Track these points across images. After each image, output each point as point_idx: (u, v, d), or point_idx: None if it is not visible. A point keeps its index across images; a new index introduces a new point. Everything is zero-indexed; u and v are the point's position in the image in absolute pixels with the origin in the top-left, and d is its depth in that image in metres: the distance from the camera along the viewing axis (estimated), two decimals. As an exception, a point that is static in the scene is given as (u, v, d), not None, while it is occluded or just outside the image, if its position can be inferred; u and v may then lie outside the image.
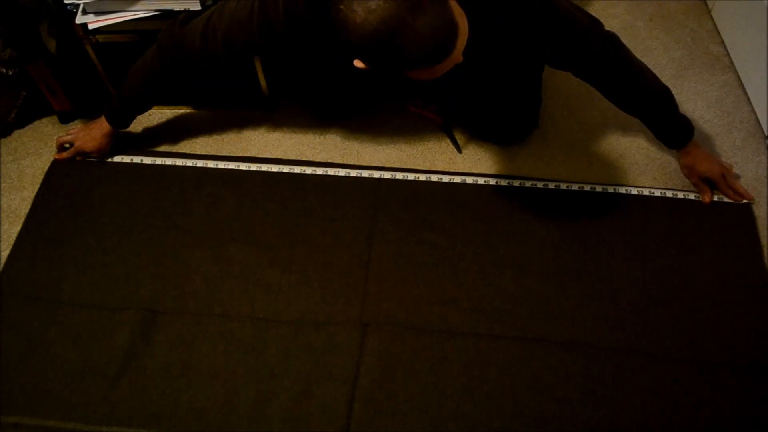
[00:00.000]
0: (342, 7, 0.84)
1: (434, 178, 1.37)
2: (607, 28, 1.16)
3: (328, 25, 0.89)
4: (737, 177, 1.34)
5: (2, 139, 1.50)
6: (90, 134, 1.39)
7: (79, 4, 1.32)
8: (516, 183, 1.35)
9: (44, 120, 1.54)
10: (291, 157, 1.43)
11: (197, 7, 1.29)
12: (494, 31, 1.07)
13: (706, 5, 1.72)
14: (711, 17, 1.69)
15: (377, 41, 0.83)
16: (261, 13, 1.08)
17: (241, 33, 1.12)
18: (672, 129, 1.27)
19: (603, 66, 1.16)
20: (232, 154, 1.45)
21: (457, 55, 0.88)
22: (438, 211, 1.31)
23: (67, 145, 1.42)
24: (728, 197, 1.29)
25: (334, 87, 1.43)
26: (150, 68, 1.25)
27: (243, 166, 1.40)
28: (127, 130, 1.43)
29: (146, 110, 1.39)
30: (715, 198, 1.30)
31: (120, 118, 1.37)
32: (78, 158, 1.42)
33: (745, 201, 1.29)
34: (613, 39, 1.15)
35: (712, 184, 1.30)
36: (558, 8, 1.08)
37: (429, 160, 1.42)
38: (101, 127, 1.37)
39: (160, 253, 1.27)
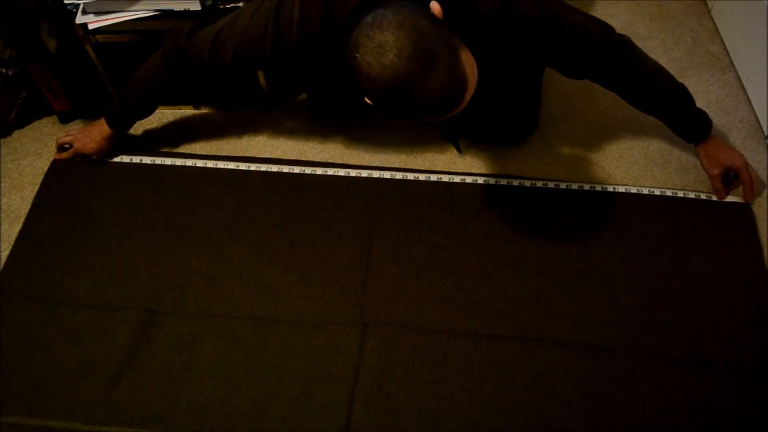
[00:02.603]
0: (357, 56, 0.85)
1: (434, 178, 1.37)
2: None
3: (340, 62, 0.91)
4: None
5: (2, 139, 1.50)
6: (89, 136, 1.39)
7: (79, 4, 1.32)
8: (516, 183, 1.35)
9: (44, 120, 1.54)
10: (291, 157, 1.43)
11: (197, 7, 1.29)
12: (503, 54, 1.08)
13: (706, 5, 1.72)
14: (711, 17, 1.69)
15: (389, 94, 0.86)
16: (275, 35, 1.06)
17: (253, 52, 1.11)
18: (691, 124, 1.26)
19: (618, 72, 1.17)
20: (232, 154, 1.44)
21: (464, 104, 0.91)
22: (438, 211, 1.31)
23: (67, 146, 1.42)
24: (745, 188, 1.28)
25: (336, 87, 1.43)
26: (154, 77, 1.24)
27: (243, 166, 1.40)
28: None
29: (148, 116, 1.39)
30: (714, 198, 1.30)
31: (121, 123, 1.37)
32: (77, 159, 1.41)
33: (741, 201, 1.29)
34: (626, 45, 1.15)
35: (727, 179, 1.30)
36: (564, 24, 1.08)
37: (429, 160, 1.42)
38: (101, 129, 1.37)
39: (160, 253, 1.27)
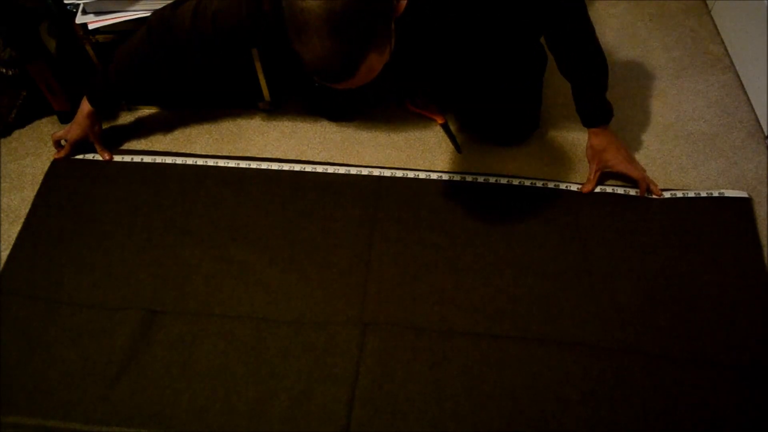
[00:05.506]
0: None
1: (434, 177, 1.37)
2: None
3: None
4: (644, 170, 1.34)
5: (2, 139, 1.50)
6: (75, 121, 1.38)
7: (79, 4, 1.32)
8: (516, 183, 1.35)
9: (44, 120, 1.54)
10: (291, 157, 1.43)
11: (197, 7, 1.29)
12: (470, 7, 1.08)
13: (706, 5, 1.72)
14: (711, 17, 1.69)
15: (291, 21, 0.86)
16: None
17: (230, 10, 1.12)
18: (595, 106, 1.27)
19: (565, 22, 1.16)
20: (232, 154, 1.45)
21: (360, 81, 0.90)
22: (438, 211, 1.31)
23: (63, 142, 1.42)
24: (640, 190, 1.31)
25: (331, 94, 1.43)
26: (137, 49, 1.24)
27: (243, 165, 1.40)
28: (127, 125, 1.43)
29: (129, 96, 1.36)
30: (716, 193, 1.30)
31: (101, 98, 1.35)
32: (80, 156, 1.41)
33: (741, 198, 1.29)
34: (581, 3, 1.15)
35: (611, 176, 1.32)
36: None
37: (429, 160, 1.42)
38: (82, 109, 1.36)
39: (160, 253, 1.27)
